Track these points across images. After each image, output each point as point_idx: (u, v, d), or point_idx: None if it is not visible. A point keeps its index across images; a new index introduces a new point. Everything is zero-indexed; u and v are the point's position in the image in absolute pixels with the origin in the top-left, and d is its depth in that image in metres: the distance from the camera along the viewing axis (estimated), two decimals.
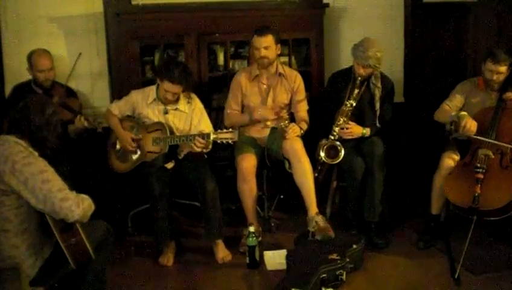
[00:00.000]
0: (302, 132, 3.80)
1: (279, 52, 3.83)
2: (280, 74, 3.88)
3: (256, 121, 3.84)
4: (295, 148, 3.65)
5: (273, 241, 3.78)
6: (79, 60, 4.00)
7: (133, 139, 3.68)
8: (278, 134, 3.77)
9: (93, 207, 2.55)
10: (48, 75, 3.83)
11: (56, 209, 2.41)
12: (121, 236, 3.81)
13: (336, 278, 3.16)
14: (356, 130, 3.75)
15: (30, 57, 3.82)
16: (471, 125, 3.45)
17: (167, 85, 3.58)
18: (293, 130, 3.71)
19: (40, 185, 2.40)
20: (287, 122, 3.73)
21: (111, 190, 3.94)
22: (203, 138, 3.46)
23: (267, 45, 3.71)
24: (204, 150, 3.57)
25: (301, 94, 3.93)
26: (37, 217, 2.51)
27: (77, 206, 2.43)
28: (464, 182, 3.37)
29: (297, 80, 3.91)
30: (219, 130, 3.46)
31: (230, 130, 3.44)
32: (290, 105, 3.95)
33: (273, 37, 3.72)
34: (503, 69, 3.57)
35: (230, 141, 3.43)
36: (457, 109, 3.66)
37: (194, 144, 3.47)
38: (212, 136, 3.44)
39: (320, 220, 3.51)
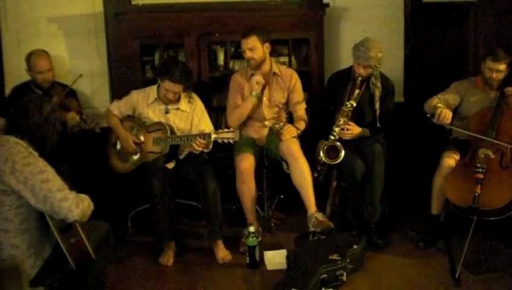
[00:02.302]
0: (299, 132, 3.78)
1: (268, 51, 3.79)
2: (274, 73, 3.87)
3: (257, 84, 3.73)
4: (291, 149, 3.64)
5: (273, 241, 3.78)
6: (79, 79, 4.03)
7: (134, 143, 3.67)
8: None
9: (92, 207, 2.56)
10: (47, 76, 3.81)
11: (55, 209, 2.41)
12: (121, 236, 3.81)
13: (336, 278, 3.16)
14: (356, 131, 3.75)
15: (28, 58, 3.81)
16: (446, 113, 3.50)
17: (168, 85, 3.58)
18: (289, 131, 3.69)
19: (40, 184, 2.40)
20: (282, 123, 3.71)
21: (111, 190, 3.94)
22: (204, 138, 3.46)
23: (250, 46, 3.69)
24: (205, 150, 3.58)
25: (298, 92, 3.90)
26: (37, 217, 2.51)
27: (76, 206, 2.43)
28: (463, 182, 3.37)
29: (293, 79, 3.89)
30: (220, 130, 3.46)
31: (231, 129, 3.43)
32: (287, 104, 3.94)
33: (258, 37, 3.69)
34: (502, 67, 3.58)
35: (231, 141, 3.43)
36: (447, 104, 3.66)
37: (195, 143, 3.47)
38: (213, 136, 3.43)
39: (319, 215, 3.53)
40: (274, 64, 3.89)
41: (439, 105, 3.61)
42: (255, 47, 3.70)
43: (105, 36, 4.20)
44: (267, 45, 3.76)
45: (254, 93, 3.75)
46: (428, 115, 3.60)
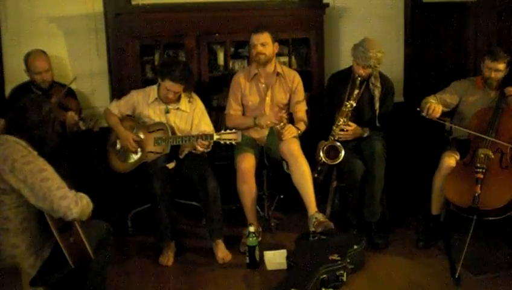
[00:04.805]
0: (299, 132, 3.79)
1: (276, 51, 3.83)
2: (278, 74, 3.88)
3: (260, 127, 3.81)
4: (292, 149, 3.64)
5: (273, 241, 3.79)
6: (76, 80, 4.05)
7: (135, 141, 3.67)
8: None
9: (91, 206, 2.56)
10: (45, 76, 3.78)
11: (54, 207, 2.41)
12: (121, 236, 3.81)
13: (336, 278, 3.16)
14: (356, 131, 3.75)
15: (26, 59, 3.78)
16: (435, 107, 3.53)
17: (169, 84, 3.58)
18: (289, 131, 3.70)
19: (39, 183, 2.40)
20: (282, 123, 3.71)
21: (111, 189, 3.94)
22: (206, 139, 3.46)
23: (263, 41, 3.73)
24: (206, 150, 3.58)
25: (300, 94, 3.92)
26: (37, 217, 2.51)
27: (75, 204, 2.43)
28: (463, 182, 3.37)
29: (295, 80, 3.91)
30: (222, 131, 3.47)
31: (234, 131, 3.44)
32: (289, 105, 3.94)
33: (270, 35, 3.74)
34: (501, 66, 3.58)
35: (233, 142, 3.44)
36: (444, 103, 3.68)
37: (198, 145, 3.48)
38: (215, 137, 3.44)
39: (320, 216, 3.53)
40: (278, 65, 3.90)
41: (431, 100, 3.63)
42: (267, 43, 3.74)
43: (105, 36, 4.20)
44: (276, 44, 3.80)
45: (256, 121, 3.77)
46: (418, 109, 3.62)
